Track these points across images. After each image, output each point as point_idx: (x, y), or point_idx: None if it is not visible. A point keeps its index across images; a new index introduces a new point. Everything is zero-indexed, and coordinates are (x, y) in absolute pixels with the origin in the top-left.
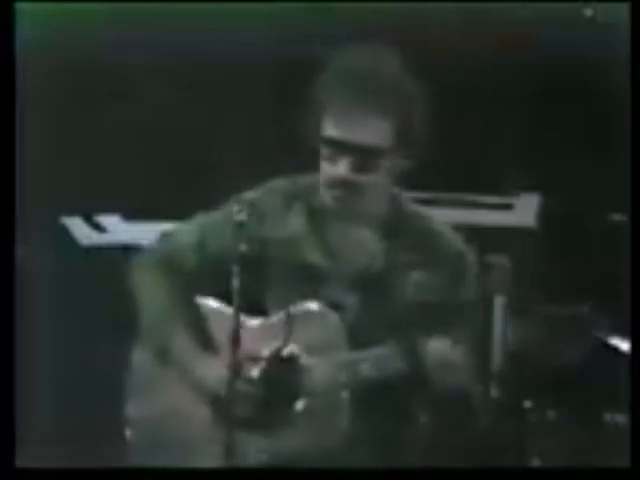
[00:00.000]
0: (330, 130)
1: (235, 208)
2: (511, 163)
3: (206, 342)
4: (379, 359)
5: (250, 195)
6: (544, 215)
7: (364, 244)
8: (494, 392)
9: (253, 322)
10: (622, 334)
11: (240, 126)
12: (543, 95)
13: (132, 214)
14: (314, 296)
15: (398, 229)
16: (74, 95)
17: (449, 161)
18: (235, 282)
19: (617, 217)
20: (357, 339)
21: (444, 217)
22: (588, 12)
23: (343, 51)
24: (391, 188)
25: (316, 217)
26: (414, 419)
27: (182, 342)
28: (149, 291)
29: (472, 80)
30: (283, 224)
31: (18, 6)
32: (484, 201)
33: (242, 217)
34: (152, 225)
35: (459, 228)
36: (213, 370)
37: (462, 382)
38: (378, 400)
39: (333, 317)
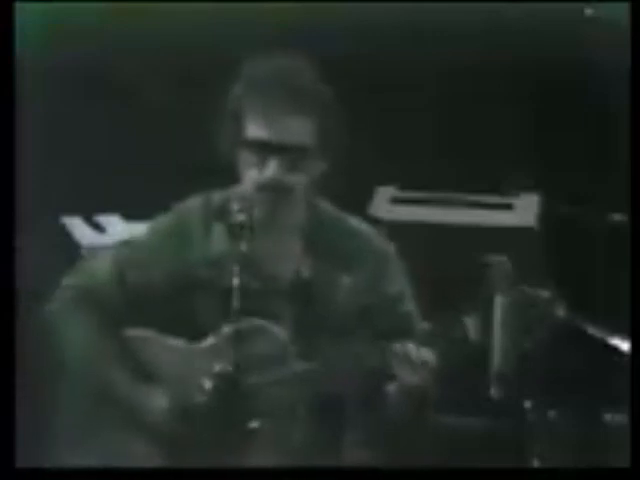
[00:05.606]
0: (254, 132)
1: (235, 207)
2: (511, 163)
3: (144, 373)
4: (329, 369)
5: (165, 220)
6: (544, 215)
7: (288, 254)
8: (494, 392)
9: (193, 346)
10: (622, 334)
11: None
12: (543, 95)
13: (132, 214)
14: (249, 313)
15: (319, 234)
16: (74, 95)
17: (449, 161)
18: (235, 281)
19: (617, 217)
20: (302, 350)
21: (444, 217)
22: (588, 12)
23: (253, 59)
24: (311, 192)
25: (236, 235)
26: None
27: (121, 377)
28: (75, 331)
29: (472, 80)
30: (205, 247)
31: (18, 6)
32: (484, 201)
33: (242, 217)
34: None
35: (459, 228)
36: (158, 400)
37: (423, 381)
38: (334, 411)
39: (275, 330)
